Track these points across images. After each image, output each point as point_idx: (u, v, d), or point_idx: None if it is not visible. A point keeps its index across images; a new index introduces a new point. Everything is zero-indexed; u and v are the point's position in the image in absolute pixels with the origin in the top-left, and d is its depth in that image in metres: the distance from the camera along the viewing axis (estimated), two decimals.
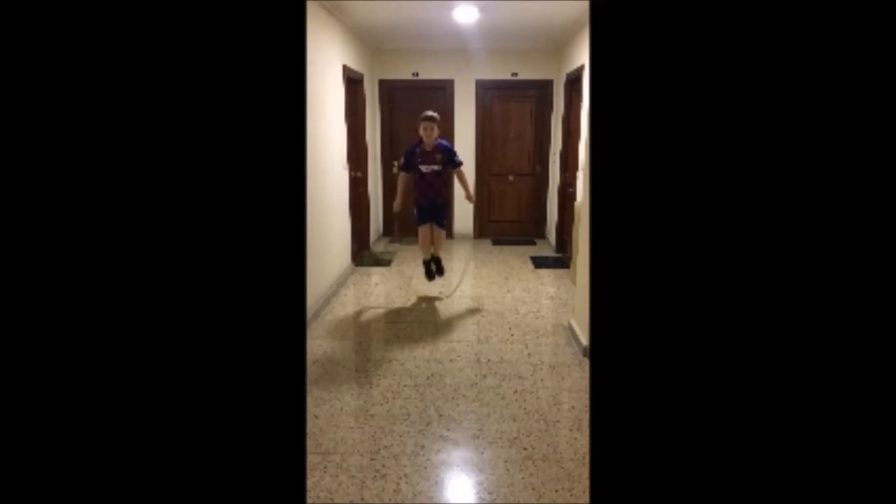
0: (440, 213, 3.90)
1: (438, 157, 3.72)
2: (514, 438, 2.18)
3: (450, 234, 5.60)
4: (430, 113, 3.70)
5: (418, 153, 3.71)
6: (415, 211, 3.88)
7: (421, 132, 3.67)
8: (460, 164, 3.80)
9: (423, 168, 3.73)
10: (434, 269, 4.03)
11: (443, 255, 4.13)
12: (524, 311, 3.72)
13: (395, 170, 5.91)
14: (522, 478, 1.94)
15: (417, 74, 5.72)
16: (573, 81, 4.85)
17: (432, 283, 4.09)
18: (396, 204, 3.91)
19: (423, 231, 3.92)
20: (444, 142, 3.79)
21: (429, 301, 3.89)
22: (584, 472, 1.97)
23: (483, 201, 5.96)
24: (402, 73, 5.72)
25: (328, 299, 3.87)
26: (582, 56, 4.34)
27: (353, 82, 4.75)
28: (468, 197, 3.92)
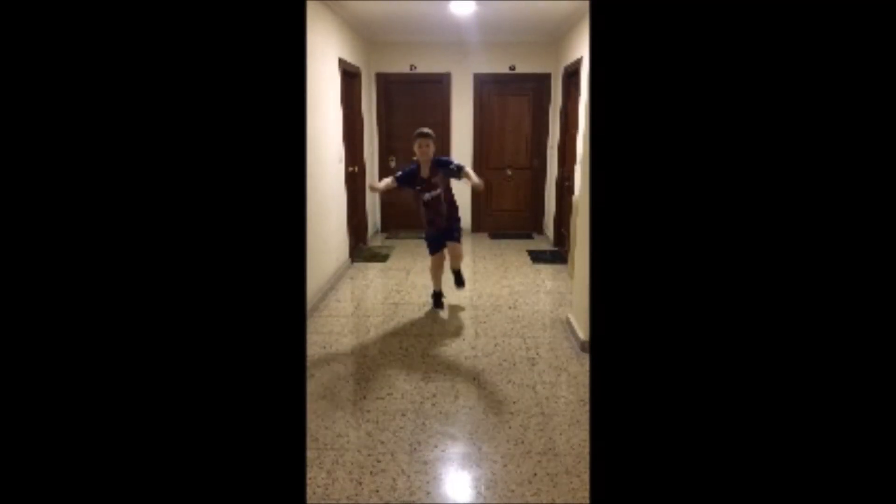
0: (452, 230, 3.49)
1: (436, 179, 3.33)
2: (512, 433, 2.18)
3: None
4: (424, 129, 3.32)
5: (418, 180, 3.34)
6: (425, 238, 3.58)
7: (416, 149, 3.28)
8: (462, 168, 3.30)
9: (425, 196, 3.36)
10: (455, 280, 3.72)
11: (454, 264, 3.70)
12: (522, 306, 3.71)
13: (391, 163, 5.89)
14: (520, 473, 1.93)
15: (415, 68, 5.69)
16: (571, 74, 4.83)
17: (440, 287, 3.72)
18: (375, 186, 3.35)
19: (436, 260, 3.56)
20: (440, 157, 3.37)
21: (426, 296, 3.88)
22: (582, 467, 1.96)
23: (481, 195, 5.94)
24: (399, 66, 5.69)
25: (325, 294, 3.86)
26: (580, 49, 4.31)
27: (349, 76, 4.72)
28: (476, 185, 3.24)
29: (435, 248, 3.51)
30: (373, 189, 3.39)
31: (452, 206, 3.44)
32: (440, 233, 3.45)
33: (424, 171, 3.31)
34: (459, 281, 3.72)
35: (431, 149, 3.28)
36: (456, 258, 3.56)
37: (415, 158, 3.34)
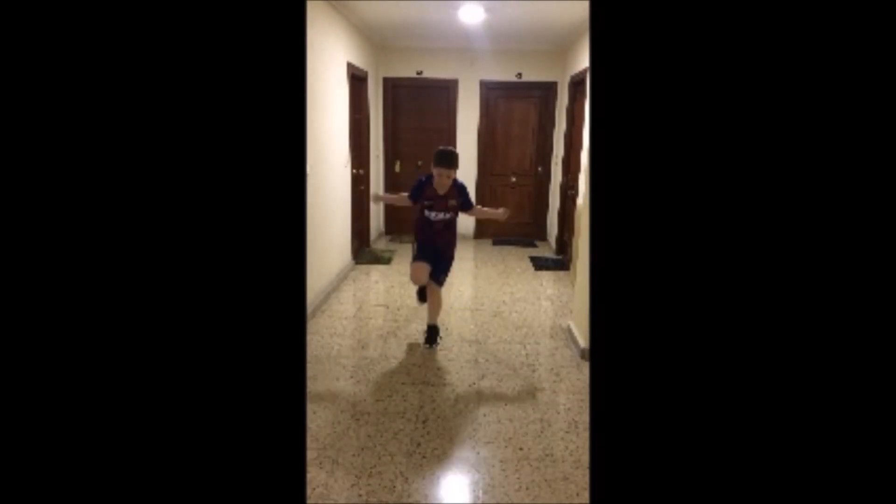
0: (442, 268, 3.06)
1: (451, 202, 2.93)
2: (510, 439, 2.19)
3: None
4: (447, 151, 2.84)
5: (427, 194, 2.92)
6: (414, 245, 3.10)
7: (434, 174, 2.84)
8: (471, 203, 3.02)
9: (431, 215, 2.95)
10: (426, 334, 3.16)
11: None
12: (523, 313, 3.72)
13: (396, 167, 5.92)
14: (518, 478, 1.94)
15: (422, 73, 5.72)
16: (577, 83, 4.85)
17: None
18: (380, 196, 3.19)
19: (417, 268, 2.98)
20: (460, 182, 2.96)
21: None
22: (580, 474, 1.97)
23: (484, 201, 5.95)
24: (407, 71, 5.72)
25: (327, 296, 3.88)
26: (586, 58, 4.33)
27: (357, 79, 4.75)
28: (502, 214, 2.96)
29: (420, 256, 3.02)
30: (377, 199, 3.09)
31: (455, 238, 3.12)
32: (433, 254, 3.02)
33: (441, 188, 2.90)
34: (431, 338, 3.11)
35: (451, 180, 2.88)
36: (435, 307, 3.11)
37: (426, 175, 2.97)
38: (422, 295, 3.30)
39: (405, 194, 3.03)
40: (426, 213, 2.97)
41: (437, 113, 5.85)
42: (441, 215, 2.95)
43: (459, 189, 2.95)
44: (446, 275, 3.12)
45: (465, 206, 2.99)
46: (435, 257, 3.02)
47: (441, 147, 2.92)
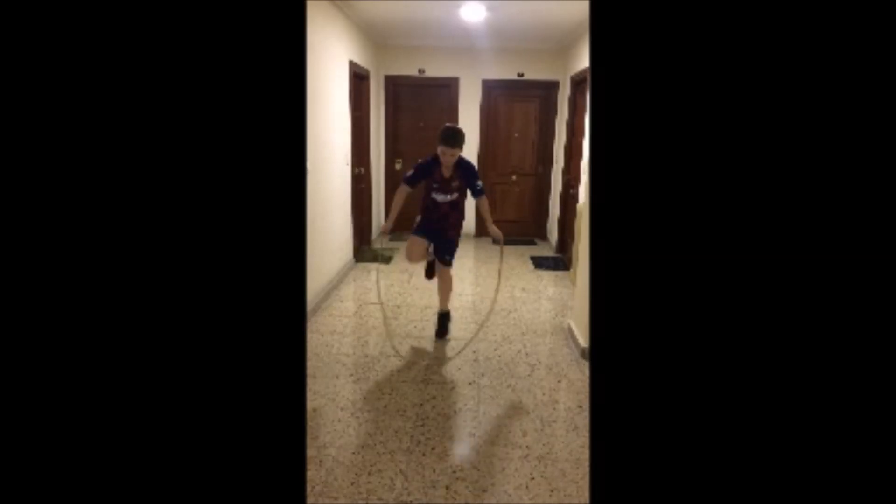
0: (447, 248, 3.06)
1: (456, 184, 2.90)
2: (510, 437, 2.19)
3: None
4: (454, 130, 2.75)
5: (434, 177, 2.89)
6: (417, 219, 3.08)
7: (439, 153, 2.77)
8: (482, 192, 2.92)
9: (438, 197, 2.94)
10: (437, 325, 3.25)
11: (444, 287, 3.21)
12: (523, 311, 3.72)
13: (397, 165, 5.91)
14: (518, 477, 1.94)
15: (423, 71, 5.72)
16: (578, 83, 4.85)
17: (432, 281, 3.38)
18: (385, 227, 3.04)
19: (415, 242, 3.01)
20: (466, 160, 2.91)
21: (428, 298, 3.89)
22: (579, 472, 1.97)
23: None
24: (408, 69, 5.72)
25: (328, 294, 3.88)
26: (587, 58, 4.33)
27: (358, 78, 4.75)
28: (492, 232, 2.96)
29: (420, 232, 3.02)
30: (387, 228, 3.01)
31: (462, 218, 3.07)
32: (435, 233, 3.02)
33: (446, 171, 2.87)
34: (443, 329, 3.21)
35: (455, 159, 2.82)
36: (445, 290, 3.16)
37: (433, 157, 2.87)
38: (429, 271, 3.29)
39: (401, 186, 2.92)
40: (433, 194, 2.94)
41: (439, 111, 5.84)
42: (447, 196, 2.93)
43: (464, 168, 2.88)
44: (452, 255, 3.09)
45: (475, 190, 2.90)
46: (437, 236, 3.02)
47: (447, 125, 2.83)
